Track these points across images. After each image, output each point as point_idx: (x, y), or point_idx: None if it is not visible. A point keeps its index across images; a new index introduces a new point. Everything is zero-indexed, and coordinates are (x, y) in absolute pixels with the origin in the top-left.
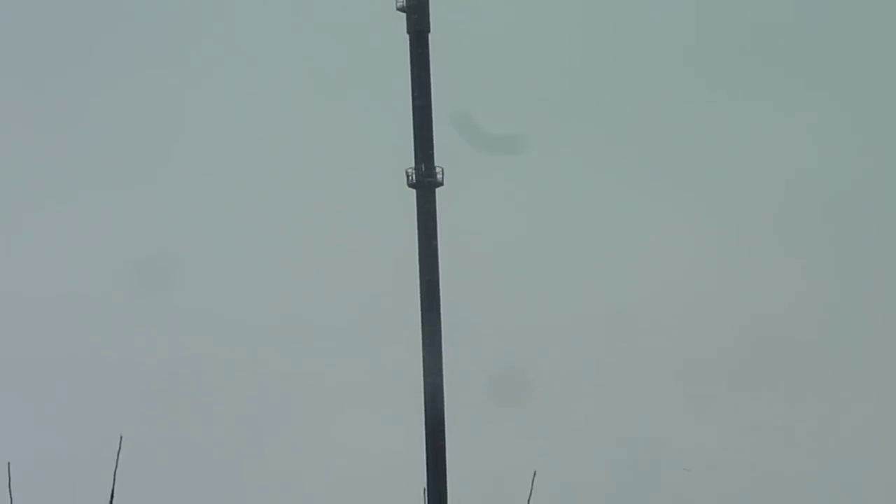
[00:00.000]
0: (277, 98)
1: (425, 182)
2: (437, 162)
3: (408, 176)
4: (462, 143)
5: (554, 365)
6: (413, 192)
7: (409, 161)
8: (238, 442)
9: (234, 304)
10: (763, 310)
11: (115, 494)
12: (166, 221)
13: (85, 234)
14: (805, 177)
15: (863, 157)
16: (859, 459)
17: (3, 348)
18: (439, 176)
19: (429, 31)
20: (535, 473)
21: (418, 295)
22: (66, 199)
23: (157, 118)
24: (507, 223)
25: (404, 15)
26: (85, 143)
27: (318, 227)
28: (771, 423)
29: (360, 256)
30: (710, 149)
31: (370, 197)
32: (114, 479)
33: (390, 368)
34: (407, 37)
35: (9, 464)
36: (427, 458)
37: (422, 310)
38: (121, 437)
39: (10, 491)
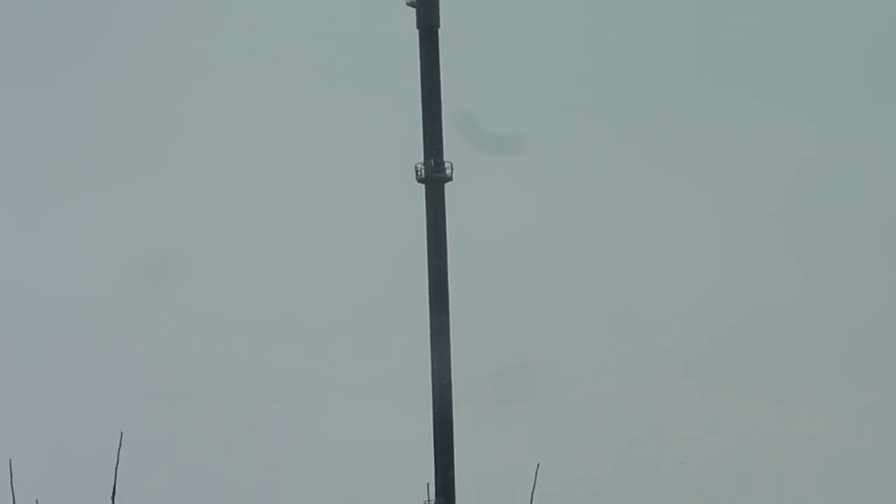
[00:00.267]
0: (286, 92)
1: (434, 177)
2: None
3: (417, 171)
4: (466, 139)
5: (560, 360)
6: (422, 187)
7: (419, 156)
8: (244, 437)
9: (241, 300)
10: (766, 304)
11: (116, 490)
12: (173, 216)
13: (90, 229)
14: (807, 172)
15: (864, 153)
16: (861, 453)
17: (5, 344)
18: (448, 171)
19: (439, 26)
20: (538, 466)
21: (426, 290)
22: (69, 196)
23: (165, 113)
24: (513, 219)
25: (414, 10)
26: (90, 139)
27: (326, 222)
28: (775, 416)
29: (368, 251)
30: (713, 146)
31: (378, 192)
32: (115, 475)
33: (398, 363)
34: (417, 32)
35: (10, 460)
36: (435, 452)
37: (430, 305)
38: (121, 433)
39: (11, 487)
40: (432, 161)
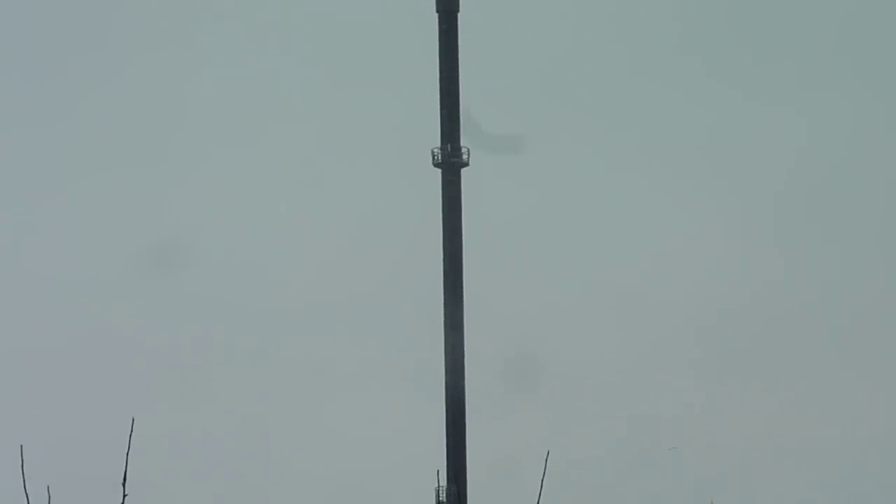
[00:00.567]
0: (301, 75)
1: (451, 162)
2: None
3: (433, 155)
4: (479, 124)
5: (572, 348)
6: (438, 171)
7: (436, 141)
8: (255, 424)
9: (254, 286)
10: (768, 293)
11: (127, 477)
12: (183, 203)
13: (97, 218)
14: (807, 164)
15: (864, 143)
16: (864, 442)
17: (13, 333)
18: (465, 156)
19: (458, 10)
20: (548, 453)
21: (440, 276)
22: (75, 186)
23: (179, 98)
24: (524, 209)
25: None
26: (96, 126)
27: (339, 207)
28: (780, 402)
29: (382, 236)
30: (716, 140)
31: (393, 176)
32: (126, 462)
33: (410, 349)
34: (436, 15)
35: (21, 446)
36: (447, 439)
37: (444, 291)
38: (133, 420)
39: (22, 473)
40: (449, 146)
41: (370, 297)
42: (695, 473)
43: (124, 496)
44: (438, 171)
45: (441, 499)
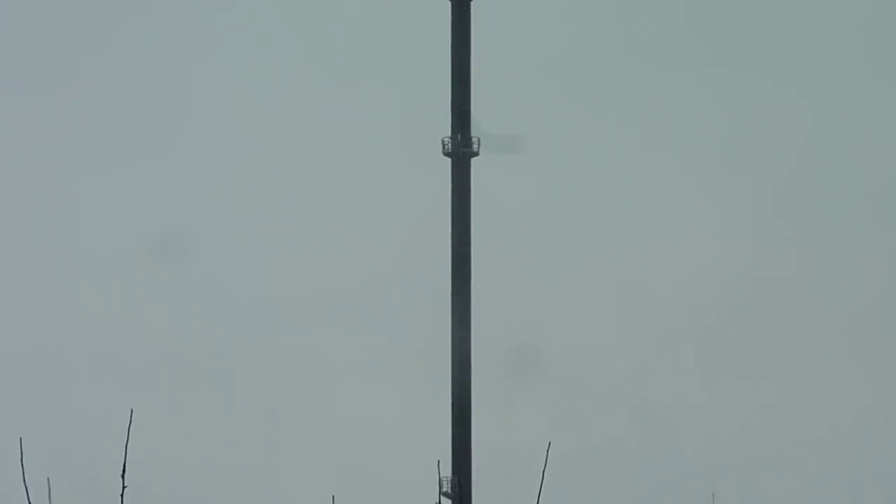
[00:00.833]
0: (313, 63)
1: (461, 152)
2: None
3: (443, 145)
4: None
5: (577, 340)
6: (448, 161)
7: (446, 130)
8: (262, 413)
9: (262, 275)
10: (771, 282)
11: (126, 468)
12: (192, 191)
13: (104, 207)
14: (809, 155)
15: (868, 130)
16: (864, 435)
17: (16, 325)
18: (475, 146)
19: None
20: (549, 445)
21: (448, 266)
22: (80, 175)
23: (191, 85)
24: (532, 202)
25: None
26: (105, 116)
27: (348, 196)
28: (782, 393)
29: (390, 224)
30: (717, 131)
31: (403, 165)
32: (125, 452)
33: (417, 338)
34: (449, 4)
35: (20, 438)
36: (453, 432)
37: (452, 280)
38: (131, 411)
39: (22, 465)
40: (459, 136)
41: (378, 286)
42: (696, 463)
43: (123, 487)
44: (448, 161)
45: (445, 489)
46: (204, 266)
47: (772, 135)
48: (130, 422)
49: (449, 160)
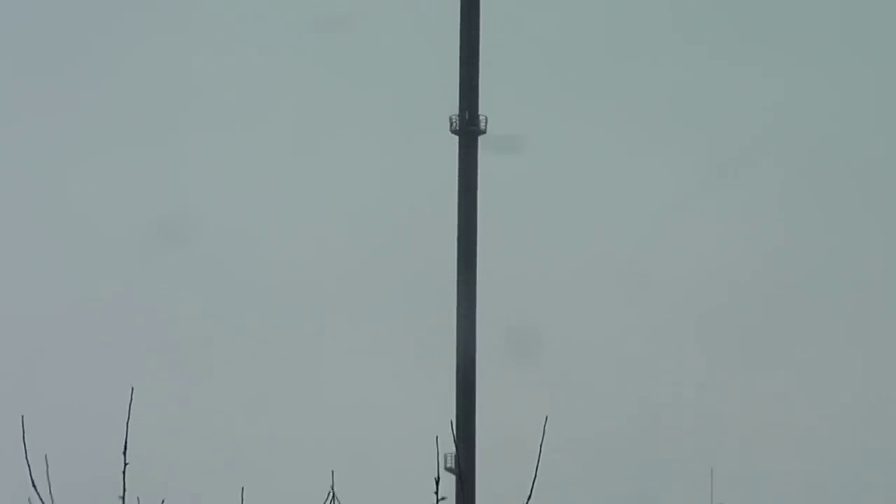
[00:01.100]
0: (315, 42)
1: (468, 129)
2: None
3: (451, 122)
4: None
5: (583, 322)
6: (455, 139)
7: (454, 108)
8: (262, 395)
9: (264, 255)
10: (774, 269)
11: (128, 446)
12: (193, 172)
13: (104, 188)
14: (810, 144)
15: (869, 117)
16: (869, 420)
17: (16, 303)
18: (483, 124)
19: None
20: (546, 419)
21: (454, 243)
22: (82, 159)
23: (194, 66)
24: (539, 182)
25: None
26: (110, 94)
27: (352, 174)
28: (785, 380)
29: (395, 203)
30: (721, 118)
31: (409, 143)
32: (126, 431)
33: (422, 319)
34: None
35: (22, 416)
36: (457, 411)
37: (458, 259)
38: (132, 389)
39: (24, 443)
40: (467, 114)
41: (382, 264)
42: (698, 449)
43: (125, 465)
44: (455, 139)
45: (449, 465)
46: (207, 246)
47: (776, 131)
48: (131, 400)
49: (456, 138)
